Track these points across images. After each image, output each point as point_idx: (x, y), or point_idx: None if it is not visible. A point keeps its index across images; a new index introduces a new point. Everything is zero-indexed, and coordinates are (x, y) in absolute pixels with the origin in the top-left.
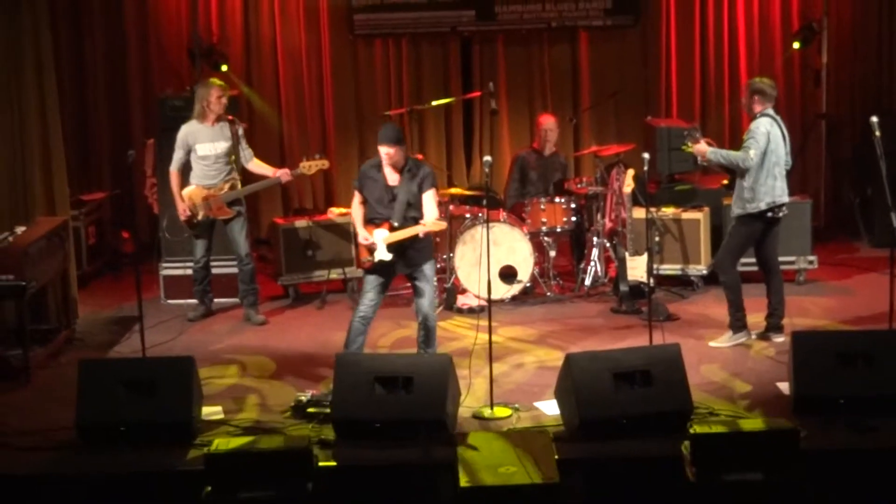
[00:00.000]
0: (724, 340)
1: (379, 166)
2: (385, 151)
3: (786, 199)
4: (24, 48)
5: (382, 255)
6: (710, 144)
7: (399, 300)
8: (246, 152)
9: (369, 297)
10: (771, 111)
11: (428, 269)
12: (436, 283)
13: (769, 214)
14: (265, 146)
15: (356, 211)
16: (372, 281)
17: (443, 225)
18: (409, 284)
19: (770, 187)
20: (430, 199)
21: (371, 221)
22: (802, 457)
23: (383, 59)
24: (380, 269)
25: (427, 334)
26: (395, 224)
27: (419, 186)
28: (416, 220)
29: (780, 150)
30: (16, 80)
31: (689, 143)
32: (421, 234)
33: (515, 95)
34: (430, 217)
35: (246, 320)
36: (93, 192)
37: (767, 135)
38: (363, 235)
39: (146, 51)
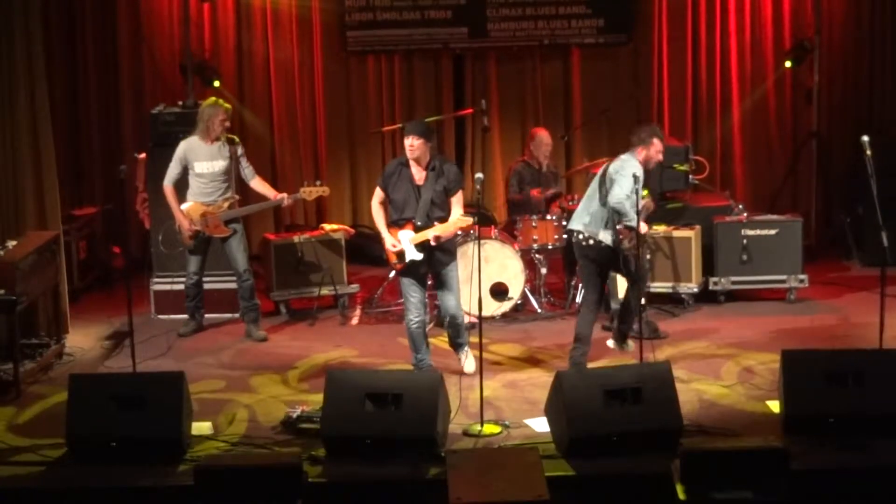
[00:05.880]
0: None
1: (405, 164)
2: (409, 143)
3: (575, 223)
4: (16, 62)
5: (413, 255)
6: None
7: (390, 317)
8: (247, 171)
9: (413, 301)
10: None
11: (453, 269)
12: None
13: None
14: (257, 162)
15: (378, 211)
16: (408, 284)
17: (468, 221)
18: (400, 301)
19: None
20: (456, 202)
21: (395, 224)
22: (792, 476)
23: (376, 75)
24: (411, 270)
25: (456, 330)
26: (419, 223)
27: (445, 188)
28: (441, 221)
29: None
30: (8, 95)
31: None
32: (442, 235)
33: (507, 113)
34: (455, 217)
35: (247, 336)
36: (84, 207)
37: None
38: (390, 242)
39: (139, 66)
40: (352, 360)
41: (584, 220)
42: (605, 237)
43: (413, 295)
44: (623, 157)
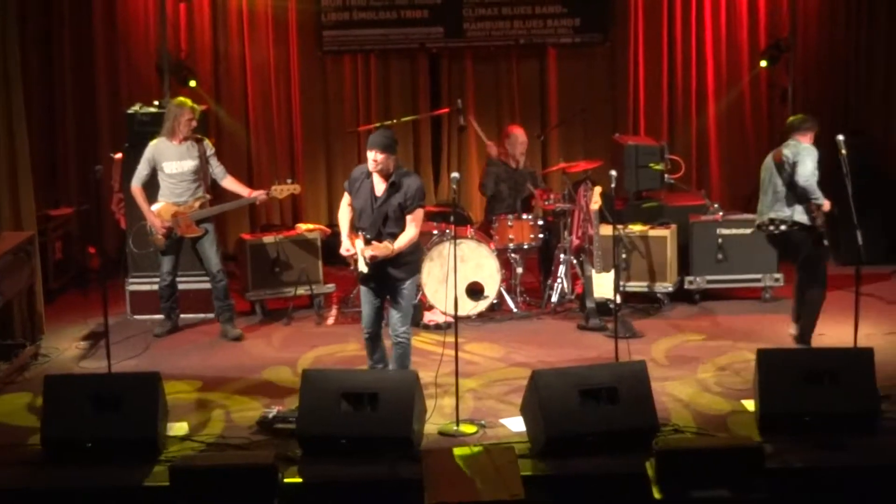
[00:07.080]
0: None
1: (368, 174)
2: (372, 157)
3: (763, 216)
4: None
5: (361, 266)
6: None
7: None
8: (218, 170)
9: (364, 312)
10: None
11: (407, 286)
12: (416, 302)
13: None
14: (233, 162)
15: (344, 213)
16: (364, 292)
17: (390, 249)
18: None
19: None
20: (411, 220)
21: (358, 230)
22: (768, 474)
23: (352, 75)
24: (366, 280)
25: (401, 354)
26: (368, 237)
27: (401, 205)
28: (394, 236)
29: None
30: None
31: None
32: (377, 255)
33: (484, 112)
34: (404, 238)
35: (222, 336)
36: (60, 208)
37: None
38: (344, 247)
39: (114, 66)
40: (326, 358)
41: (775, 208)
42: (800, 217)
43: (364, 306)
44: (791, 143)
